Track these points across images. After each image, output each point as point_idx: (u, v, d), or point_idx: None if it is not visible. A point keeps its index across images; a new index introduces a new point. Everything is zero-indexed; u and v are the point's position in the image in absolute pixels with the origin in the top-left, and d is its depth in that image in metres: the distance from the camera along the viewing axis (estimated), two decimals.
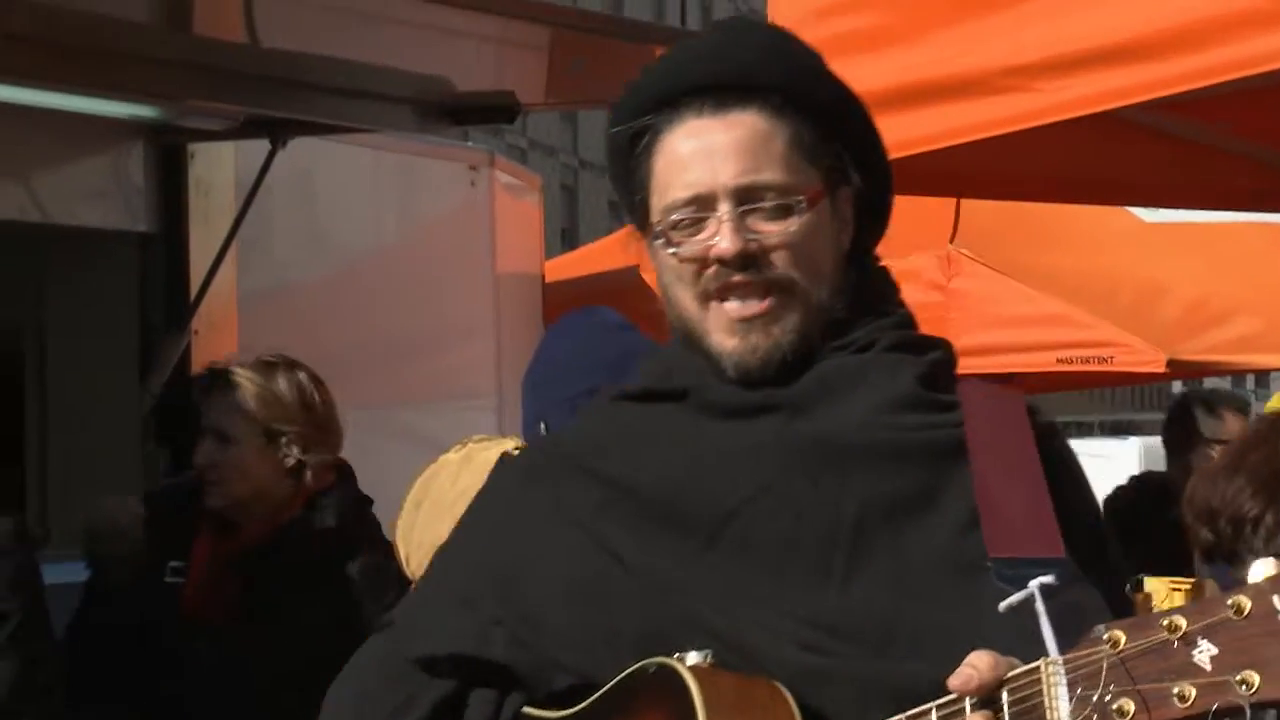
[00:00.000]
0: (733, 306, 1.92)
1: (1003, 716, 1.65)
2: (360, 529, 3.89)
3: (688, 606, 1.85)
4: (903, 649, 1.81)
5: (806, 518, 1.86)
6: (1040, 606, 1.71)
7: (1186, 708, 1.55)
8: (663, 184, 1.95)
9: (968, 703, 1.67)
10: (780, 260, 1.93)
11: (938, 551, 1.83)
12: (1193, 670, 1.55)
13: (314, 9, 5.37)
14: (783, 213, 1.93)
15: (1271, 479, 3.08)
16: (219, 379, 3.92)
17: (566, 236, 32.72)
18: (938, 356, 1.97)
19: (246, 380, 3.90)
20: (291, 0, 5.36)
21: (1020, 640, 1.71)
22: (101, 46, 5.18)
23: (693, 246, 1.93)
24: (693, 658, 1.80)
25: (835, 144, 1.99)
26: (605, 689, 1.85)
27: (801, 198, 1.94)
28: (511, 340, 7.08)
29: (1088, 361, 6.23)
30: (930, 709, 1.70)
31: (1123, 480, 6.84)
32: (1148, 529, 4.63)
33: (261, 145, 6.12)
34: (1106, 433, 21.88)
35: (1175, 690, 1.55)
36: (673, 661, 1.79)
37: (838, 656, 1.81)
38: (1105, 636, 1.60)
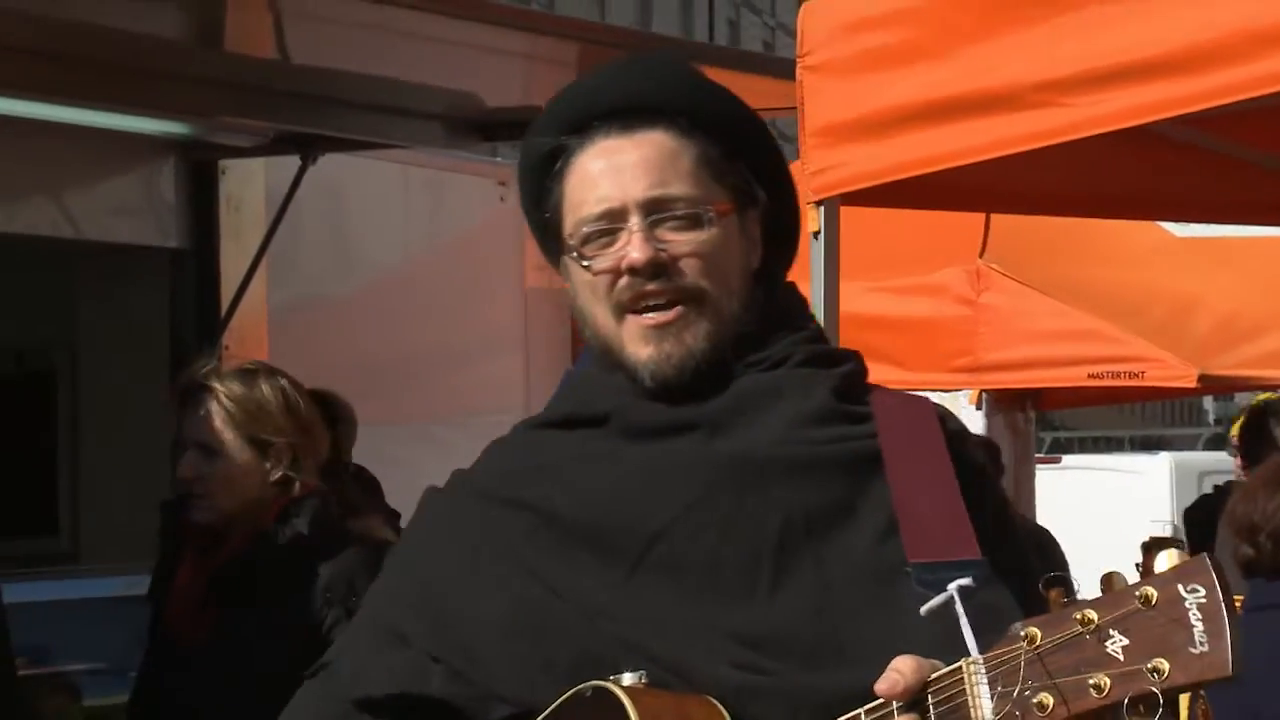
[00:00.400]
0: (647, 316, 1.96)
1: (929, 718, 1.70)
2: (335, 533, 3.73)
3: (619, 630, 1.88)
4: (830, 658, 1.85)
5: (730, 535, 1.90)
6: (959, 608, 1.75)
7: (1102, 698, 1.60)
8: (575, 202, 2.00)
9: (894, 706, 1.71)
10: (690, 269, 1.97)
11: (858, 561, 1.89)
12: (1106, 661, 1.60)
13: (344, 26, 5.39)
14: (692, 223, 1.98)
15: None
16: (199, 389, 3.74)
17: None
18: (850, 369, 2.03)
19: (229, 390, 3.72)
20: (321, 17, 5.38)
21: (943, 642, 1.76)
22: (133, 64, 5.21)
23: (605, 259, 1.98)
24: (628, 679, 1.83)
25: (741, 165, 2.04)
26: (543, 715, 1.87)
27: (710, 208, 1.99)
28: (540, 354, 7.09)
29: (1118, 377, 6.21)
30: (859, 714, 1.74)
31: (1153, 495, 6.83)
32: None
33: (292, 161, 6.15)
34: (1137, 448, 21.79)
35: (1091, 681, 1.60)
36: (608, 683, 1.82)
37: (767, 672, 1.85)
38: (1022, 633, 1.64)
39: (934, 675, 1.70)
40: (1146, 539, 7.66)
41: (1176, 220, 6.06)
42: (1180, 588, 1.58)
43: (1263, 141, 4.24)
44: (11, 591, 4.13)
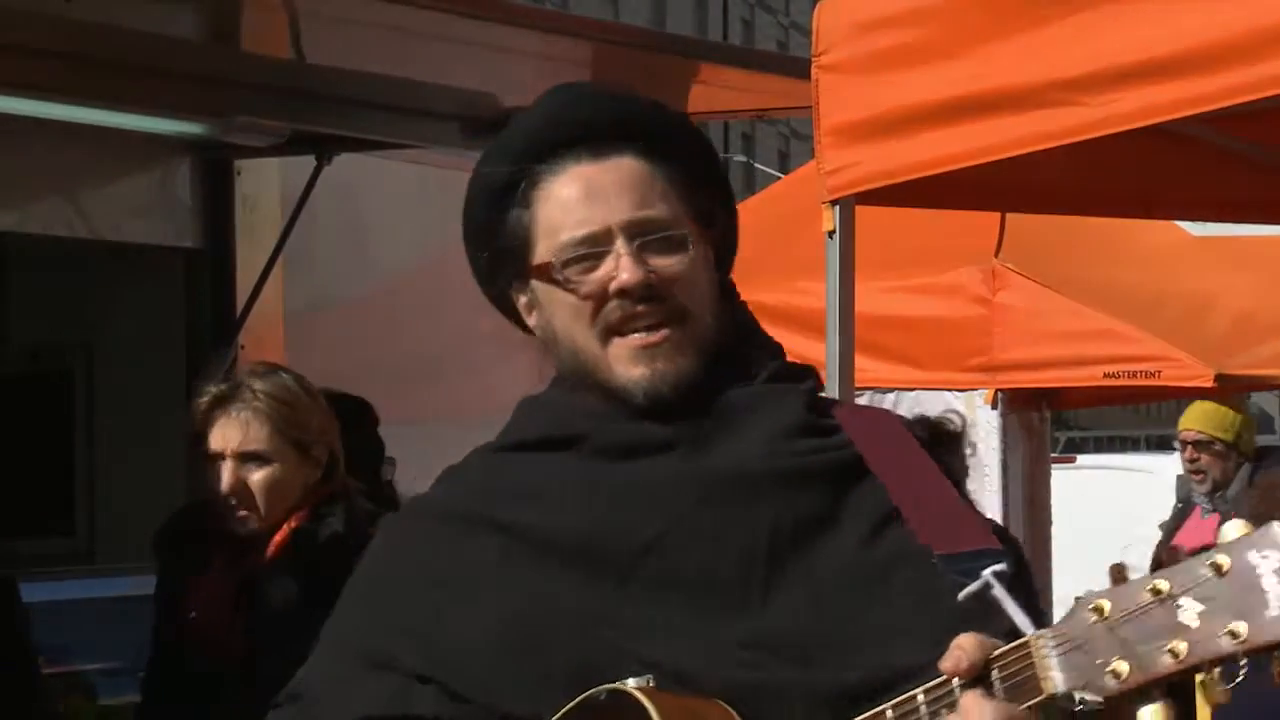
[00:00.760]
0: (636, 338, 1.98)
1: (995, 691, 1.71)
2: (368, 531, 3.75)
3: (618, 639, 1.89)
4: (833, 657, 1.87)
5: (721, 547, 1.92)
6: (999, 591, 1.78)
7: (1178, 663, 1.62)
8: (551, 227, 2.01)
9: (956, 684, 1.72)
10: (675, 292, 2.00)
11: (847, 565, 1.92)
12: (1180, 629, 1.62)
13: (359, 26, 5.40)
14: (674, 246, 2.00)
15: None
16: (232, 396, 3.61)
17: None
18: (813, 384, 2.07)
19: (267, 394, 3.59)
20: (337, 17, 5.39)
21: (944, 633, 1.79)
22: (149, 64, 5.22)
23: (592, 283, 1.99)
24: (633, 683, 1.83)
25: (701, 189, 2.07)
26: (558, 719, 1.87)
27: (687, 232, 2.02)
28: None
29: (1135, 376, 6.20)
30: (916, 694, 1.75)
31: (1168, 495, 6.83)
32: None
33: (307, 161, 6.15)
34: (1152, 448, 21.74)
35: (1167, 648, 1.62)
36: (623, 685, 1.82)
37: (776, 672, 1.87)
38: (1091, 606, 1.67)
39: (997, 651, 1.72)
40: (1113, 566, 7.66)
41: (1193, 219, 6.05)
42: (1252, 554, 1.60)
43: (1278, 139, 4.23)
44: (28, 591, 4.15)
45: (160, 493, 5.75)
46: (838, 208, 3.67)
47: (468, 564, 1.99)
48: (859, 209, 3.72)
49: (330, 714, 2.00)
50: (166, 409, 6.03)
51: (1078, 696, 1.66)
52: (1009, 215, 5.97)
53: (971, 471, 5.19)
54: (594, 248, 1.99)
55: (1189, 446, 7.35)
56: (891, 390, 7.19)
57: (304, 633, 3.46)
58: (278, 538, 3.57)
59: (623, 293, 1.97)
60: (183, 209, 6.29)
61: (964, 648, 1.72)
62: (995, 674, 1.72)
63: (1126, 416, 30.03)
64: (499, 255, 2.06)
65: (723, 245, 2.09)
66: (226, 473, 3.57)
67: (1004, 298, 6.14)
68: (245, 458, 3.57)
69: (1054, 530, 7.23)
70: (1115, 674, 1.64)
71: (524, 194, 2.03)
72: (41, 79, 5.11)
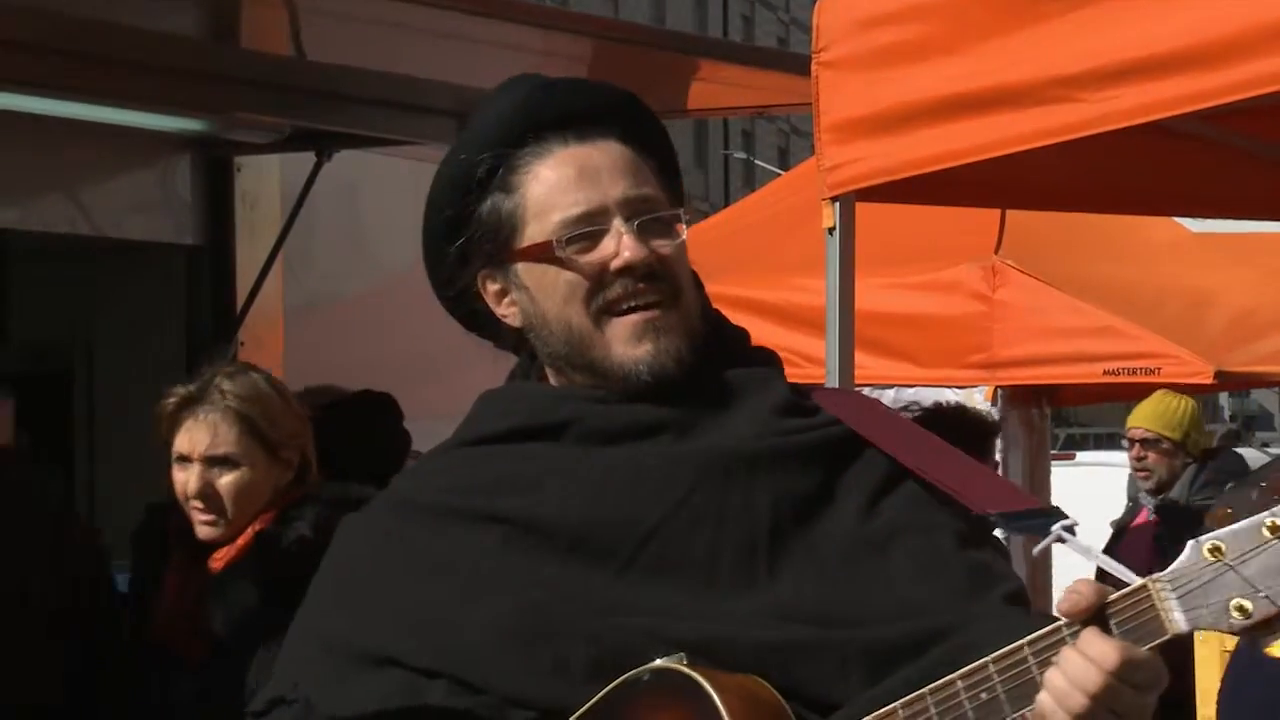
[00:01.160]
0: (635, 317, 1.98)
1: (1112, 634, 1.72)
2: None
3: (637, 623, 1.89)
4: (847, 624, 1.89)
5: (721, 529, 1.93)
6: (1075, 543, 1.83)
7: None
8: (542, 207, 2.00)
9: (1066, 632, 1.73)
10: (671, 272, 2.01)
11: (846, 538, 1.94)
12: None
13: (359, 23, 5.40)
14: (666, 228, 2.02)
15: None
16: (200, 398, 3.46)
17: None
18: (782, 368, 2.09)
19: (238, 395, 3.45)
20: (337, 14, 5.39)
21: (952, 593, 1.85)
22: (149, 61, 5.22)
23: (591, 261, 1.99)
24: (673, 660, 1.83)
25: (674, 177, 2.09)
26: (592, 702, 1.86)
27: (679, 213, 2.03)
28: None
29: (1134, 373, 6.19)
30: (1021, 646, 1.75)
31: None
32: None
33: (307, 158, 6.16)
34: None
35: None
36: (671, 663, 1.82)
37: (800, 632, 1.88)
38: (1207, 548, 1.68)
39: (1113, 596, 1.73)
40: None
41: (1193, 216, 6.04)
42: None
43: (1279, 136, 4.23)
44: None
45: (161, 490, 5.75)
46: (837, 204, 3.67)
47: (467, 556, 1.97)
48: (859, 206, 3.72)
49: (335, 712, 1.97)
50: None
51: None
52: (1009, 212, 5.97)
53: None
54: (592, 226, 1.99)
55: (1136, 444, 7.33)
56: (891, 387, 7.19)
57: (263, 638, 3.27)
58: (240, 541, 3.44)
59: (626, 270, 1.97)
60: (183, 206, 6.29)
61: (1080, 591, 1.73)
62: (1115, 618, 1.72)
63: (1126, 413, 30.01)
64: (470, 245, 2.04)
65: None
66: (194, 477, 3.45)
67: (1004, 294, 6.14)
68: (214, 461, 3.44)
69: None
70: (1241, 610, 1.65)
71: (502, 180, 2.02)
72: (42, 76, 5.11)
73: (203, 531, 3.45)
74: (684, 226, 2.03)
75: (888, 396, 7.31)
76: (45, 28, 4.88)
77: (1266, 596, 1.64)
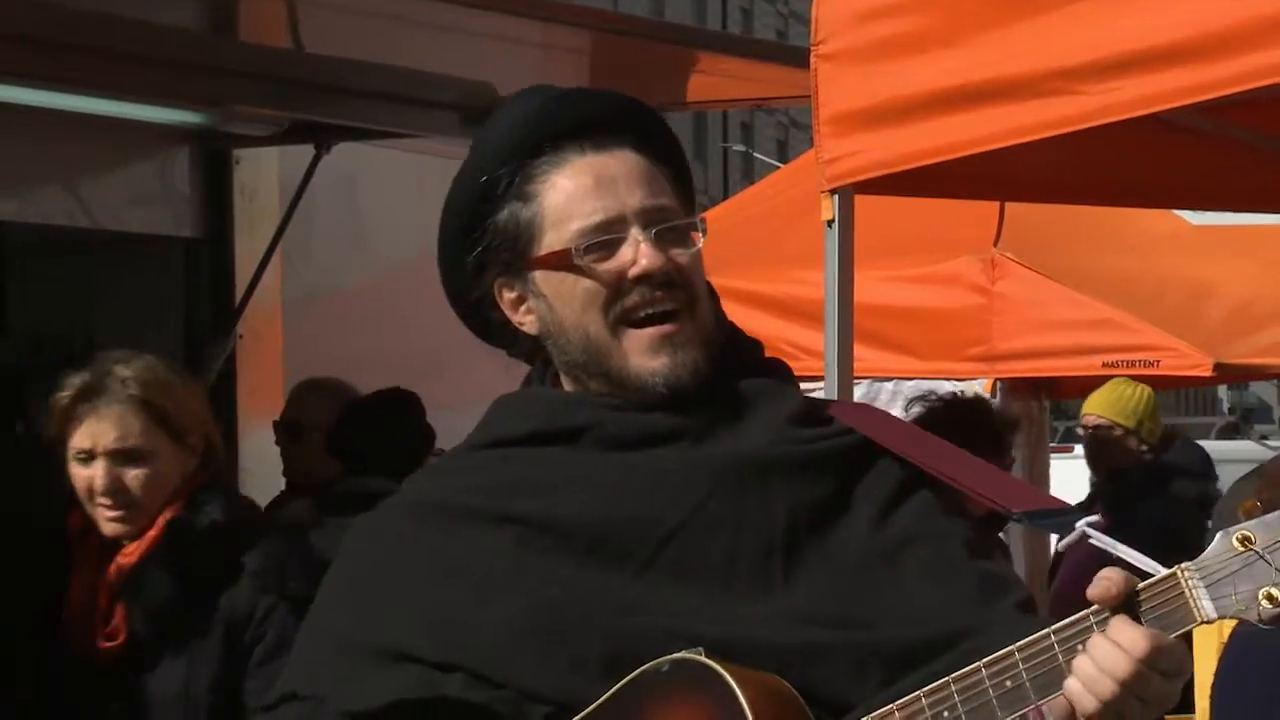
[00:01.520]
0: (651, 331, 2.00)
1: (1141, 620, 1.73)
2: (251, 519, 3.41)
3: (656, 622, 1.90)
4: (863, 628, 1.90)
5: (737, 535, 1.94)
6: (1100, 539, 1.83)
7: None
8: (560, 216, 2.01)
9: (1093, 621, 1.74)
10: (688, 280, 2.02)
11: (861, 545, 1.95)
12: None
13: (358, 15, 5.39)
14: (685, 236, 2.03)
15: None
16: (98, 389, 3.24)
17: None
18: (795, 378, 2.11)
19: (134, 381, 3.23)
20: (335, 6, 5.39)
21: (964, 599, 1.86)
22: (148, 53, 5.22)
23: (609, 270, 2.00)
24: (687, 653, 1.84)
25: (686, 185, 2.10)
26: (611, 692, 1.87)
27: (695, 222, 2.04)
28: None
29: (1134, 366, 6.20)
30: (1048, 633, 1.76)
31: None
32: None
33: (306, 150, 6.15)
34: None
35: None
36: (691, 654, 1.83)
37: (819, 635, 1.89)
38: (1236, 538, 1.69)
39: (1142, 585, 1.74)
40: None
41: (1192, 208, 6.05)
42: None
43: (1279, 128, 4.23)
44: None
45: None
46: (836, 197, 3.66)
47: (482, 556, 1.98)
48: (858, 198, 3.72)
49: (340, 704, 1.98)
50: None
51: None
52: (1008, 204, 5.97)
53: None
54: (610, 234, 2.00)
55: (1089, 432, 7.21)
56: (890, 380, 7.19)
57: (183, 628, 3.20)
58: (152, 533, 3.26)
59: (644, 278, 1.98)
60: (181, 198, 6.29)
61: (1111, 578, 1.75)
62: (1143, 606, 1.73)
63: None
64: (487, 254, 2.05)
65: None
66: (101, 473, 3.23)
67: (1003, 287, 6.14)
68: (120, 455, 3.23)
69: None
70: (1271, 599, 1.67)
71: (519, 189, 2.03)
72: (40, 68, 5.10)
73: (110, 528, 3.26)
74: (700, 235, 2.04)
75: (887, 389, 7.30)
76: (44, 20, 4.87)
77: None
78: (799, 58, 4.21)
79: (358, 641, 2.00)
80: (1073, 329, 6.18)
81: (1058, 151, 3.65)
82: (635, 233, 1.99)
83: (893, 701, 1.82)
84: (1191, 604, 1.71)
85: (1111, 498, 6.77)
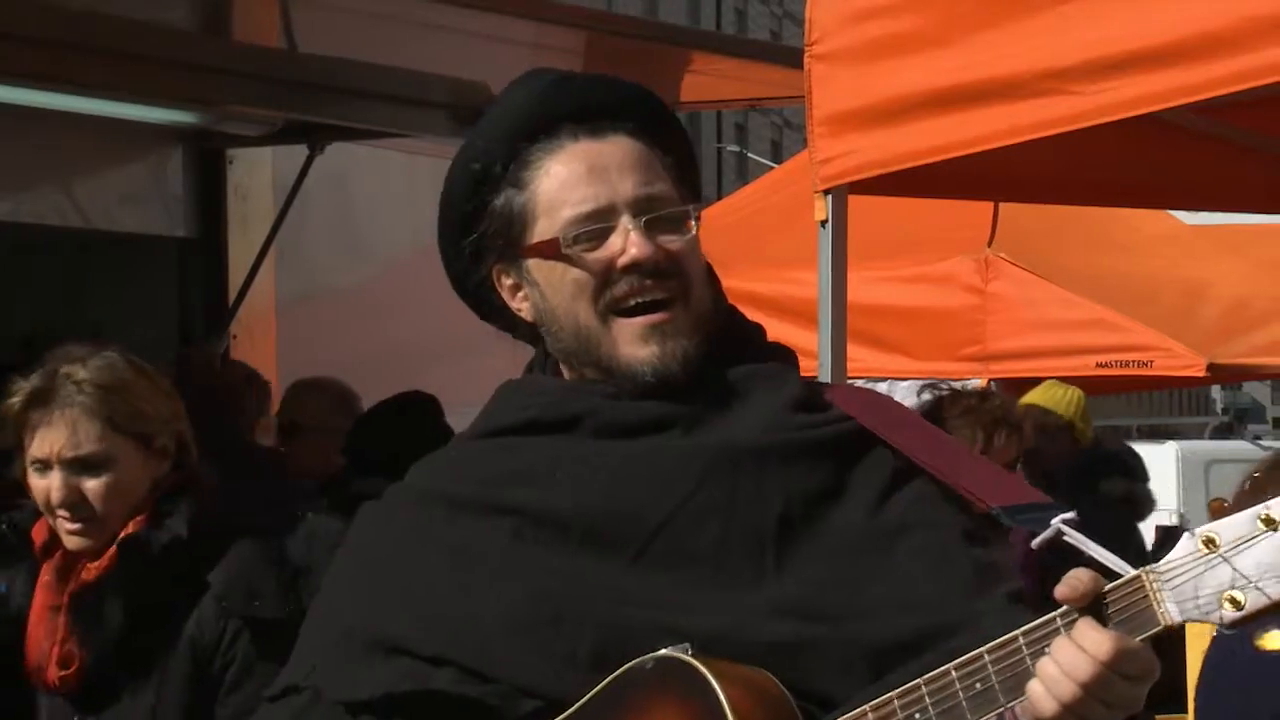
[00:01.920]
0: (641, 318, 1.98)
1: (1106, 622, 1.71)
2: (218, 531, 3.01)
3: (645, 615, 1.90)
4: (853, 618, 1.89)
5: (731, 523, 1.93)
6: (1074, 537, 1.83)
7: None
8: (553, 204, 2.00)
9: (1060, 623, 1.73)
10: (681, 269, 2.00)
11: (855, 534, 1.94)
12: None
13: (351, 15, 5.39)
14: (678, 224, 2.01)
15: None
16: (48, 391, 2.94)
17: None
18: (797, 363, 2.09)
19: (89, 382, 2.93)
20: (328, 6, 5.38)
21: (957, 590, 1.86)
22: (142, 53, 5.22)
23: (599, 259, 1.99)
24: (678, 650, 1.83)
25: (688, 171, 2.09)
26: (595, 690, 1.87)
27: (689, 210, 2.03)
28: None
29: (1127, 366, 6.20)
30: (1016, 637, 1.75)
31: (1159, 484, 6.79)
32: None
33: (299, 150, 6.15)
34: (1144, 437, 21.78)
35: None
36: (673, 652, 1.83)
37: (807, 630, 1.88)
38: (1202, 539, 1.67)
39: (1108, 586, 1.73)
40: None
41: (1186, 208, 6.05)
42: None
43: (1273, 128, 4.23)
44: None
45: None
46: (830, 197, 3.66)
47: (478, 546, 1.98)
48: (852, 198, 3.72)
49: (337, 694, 1.98)
50: None
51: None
52: (1002, 205, 5.97)
53: None
54: (600, 223, 1.99)
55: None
56: (884, 380, 7.19)
57: (142, 656, 2.87)
58: (112, 549, 2.96)
59: (633, 267, 1.97)
60: (175, 198, 6.29)
61: (1079, 577, 1.73)
62: (1108, 608, 1.72)
63: (1119, 405, 30.05)
64: (484, 240, 2.04)
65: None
66: (57, 484, 2.93)
67: (997, 287, 6.15)
68: (77, 464, 2.93)
69: None
70: (1233, 602, 1.65)
71: (515, 175, 2.01)
72: (34, 68, 5.10)
73: (71, 541, 2.97)
74: (695, 223, 2.03)
75: (881, 389, 7.30)
76: (37, 20, 4.87)
77: (1258, 588, 1.64)
78: (793, 58, 4.20)
79: (355, 630, 2.01)
80: (1066, 329, 6.18)
81: (1052, 152, 3.65)
82: (625, 221, 1.98)
83: (872, 700, 1.81)
84: (1155, 607, 1.69)
85: None
